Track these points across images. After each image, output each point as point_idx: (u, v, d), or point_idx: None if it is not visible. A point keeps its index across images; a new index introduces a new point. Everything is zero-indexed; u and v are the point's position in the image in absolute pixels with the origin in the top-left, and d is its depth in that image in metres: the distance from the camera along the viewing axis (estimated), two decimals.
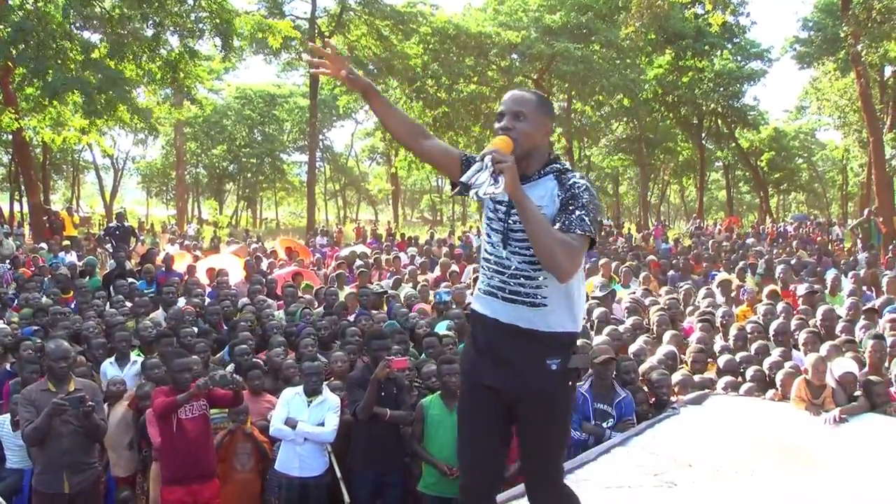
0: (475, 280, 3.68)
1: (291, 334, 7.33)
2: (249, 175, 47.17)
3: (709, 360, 6.73)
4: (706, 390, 5.82)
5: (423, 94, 28.87)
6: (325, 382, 5.84)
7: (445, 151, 2.96)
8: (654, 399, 5.64)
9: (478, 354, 2.92)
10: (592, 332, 7.39)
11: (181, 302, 9.03)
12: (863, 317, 7.64)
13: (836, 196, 52.36)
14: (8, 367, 6.55)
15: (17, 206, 28.86)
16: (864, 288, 10.22)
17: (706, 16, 27.70)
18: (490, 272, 2.86)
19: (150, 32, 17.61)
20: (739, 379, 6.19)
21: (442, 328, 7.38)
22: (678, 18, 29.72)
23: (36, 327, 7.55)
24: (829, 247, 20.12)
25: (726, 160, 43.73)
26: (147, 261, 12.54)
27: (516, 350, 2.80)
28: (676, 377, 5.91)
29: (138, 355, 6.78)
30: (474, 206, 40.12)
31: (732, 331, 7.26)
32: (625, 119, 38.30)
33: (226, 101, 43.91)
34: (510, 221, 2.77)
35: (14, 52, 15.21)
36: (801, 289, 9.45)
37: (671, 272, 13.13)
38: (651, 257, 15.53)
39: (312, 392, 5.57)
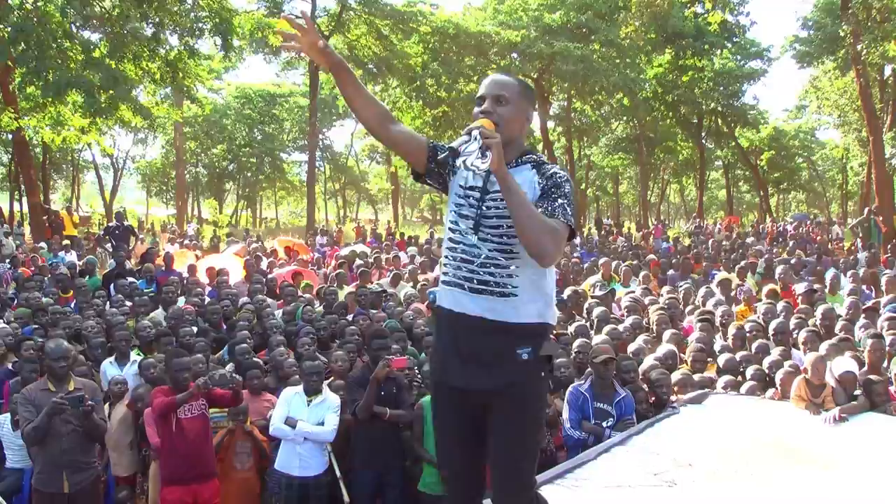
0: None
1: (291, 334, 7.34)
2: (249, 174, 47.15)
3: (709, 359, 6.73)
4: (706, 389, 5.81)
5: (422, 93, 28.85)
6: (325, 382, 5.84)
7: (412, 137, 2.84)
8: (653, 398, 5.64)
9: (443, 354, 2.79)
10: (592, 332, 7.40)
11: (181, 301, 9.04)
12: (863, 316, 7.65)
13: (836, 195, 52.32)
14: (10, 366, 6.56)
15: (16, 206, 28.84)
16: (864, 287, 10.22)
17: (706, 15, 27.68)
18: (456, 262, 2.71)
19: (149, 32, 17.60)
20: (739, 378, 6.19)
21: None
22: (678, 18, 29.68)
23: (35, 326, 7.56)
24: (829, 246, 20.11)
25: (726, 159, 43.71)
26: (147, 260, 12.55)
27: (484, 344, 2.65)
28: (676, 376, 5.91)
29: (138, 355, 6.78)
30: None
31: (731, 330, 7.26)
32: (625, 118, 38.28)
33: (225, 100, 43.90)
34: (484, 207, 2.66)
35: (14, 52, 15.20)
36: (801, 287, 9.46)
37: (671, 271, 13.14)
38: (651, 256, 15.54)
39: (312, 391, 5.57)
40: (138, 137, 43.24)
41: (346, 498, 5.37)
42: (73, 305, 9.26)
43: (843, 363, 5.57)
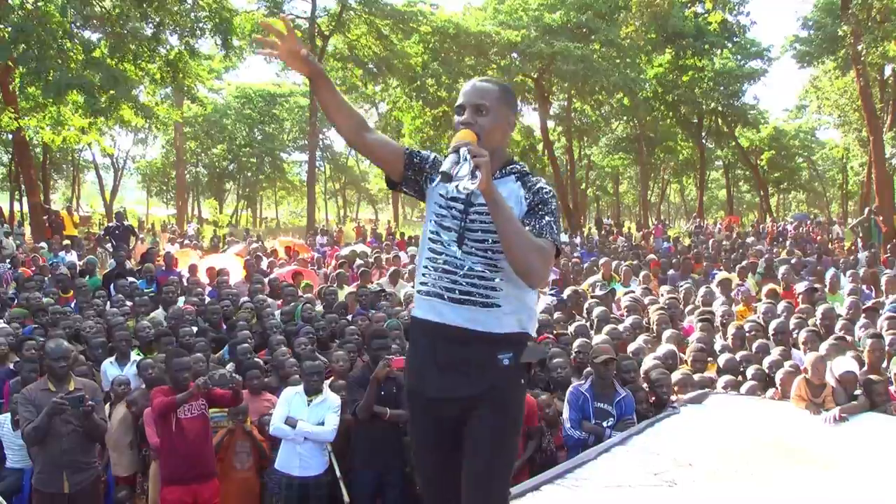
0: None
1: (291, 333, 7.34)
2: (249, 174, 47.17)
3: (709, 359, 6.73)
4: (706, 389, 5.81)
5: (423, 93, 28.88)
6: (325, 382, 5.85)
7: (388, 145, 2.76)
8: (654, 398, 5.64)
9: (420, 363, 2.70)
10: (592, 332, 7.40)
11: (181, 301, 9.04)
12: (863, 316, 7.64)
13: (837, 195, 52.33)
14: (11, 366, 6.56)
15: (17, 206, 28.85)
16: (864, 287, 10.22)
17: (706, 15, 27.71)
18: (437, 272, 2.62)
19: (149, 31, 17.61)
20: (739, 378, 6.19)
21: None
22: (678, 17, 29.70)
23: (34, 326, 7.56)
24: (830, 246, 20.11)
25: (726, 159, 43.72)
26: (147, 260, 12.55)
27: (464, 353, 2.59)
28: (676, 376, 5.91)
29: (138, 355, 6.78)
30: None
31: (731, 330, 7.26)
32: (625, 118, 38.30)
33: (226, 100, 43.92)
34: (468, 220, 2.59)
35: (15, 52, 15.20)
36: (801, 286, 9.45)
37: (671, 271, 13.14)
38: (651, 256, 15.55)
39: (313, 391, 5.57)
40: (138, 137, 43.27)
41: (346, 498, 5.37)
42: (73, 305, 9.26)
43: (844, 363, 5.57)
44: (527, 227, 2.50)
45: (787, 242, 20.45)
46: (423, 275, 2.69)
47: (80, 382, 5.20)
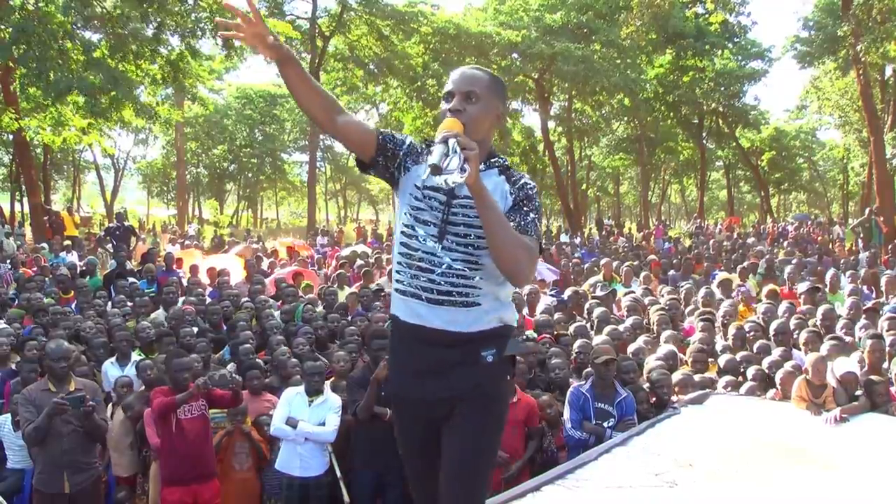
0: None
1: (291, 334, 7.34)
2: (250, 175, 47.19)
3: (710, 359, 6.73)
4: (707, 390, 5.81)
5: (423, 93, 28.87)
6: (326, 382, 5.85)
7: (359, 128, 2.62)
8: (654, 399, 5.64)
9: (401, 365, 2.65)
10: (592, 332, 7.40)
11: (181, 302, 9.04)
12: (863, 316, 7.64)
13: (837, 195, 52.28)
14: (13, 366, 6.57)
15: (17, 206, 28.86)
16: (864, 287, 10.22)
17: (707, 15, 27.71)
18: (413, 270, 2.51)
19: (150, 32, 17.61)
20: (740, 379, 6.19)
21: None
22: (679, 18, 29.71)
23: (33, 326, 7.56)
24: (831, 246, 20.11)
25: (727, 160, 43.69)
26: (148, 261, 12.55)
27: (444, 355, 2.51)
28: (677, 377, 5.91)
29: (140, 355, 6.79)
30: None
31: (731, 330, 7.26)
32: (625, 119, 38.31)
33: (226, 100, 43.92)
34: (450, 214, 2.47)
35: (16, 52, 15.21)
36: (803, 287, 9.45)
37: (672, 272, 13.13)
38: (652, 257, 15.54)
39: (314, 392, 5.58)
40: (139, 138, 43.30)
41: (346, 498, 5.37)
42: (73, 306, 9.27)
43: (845, 364, 5.57)
44: (512, 223, 2.42)
45: (785, 243, 20.44)
46: (398, 272, 2.58)
47: (81, 383, 5.21)
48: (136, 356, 6.74)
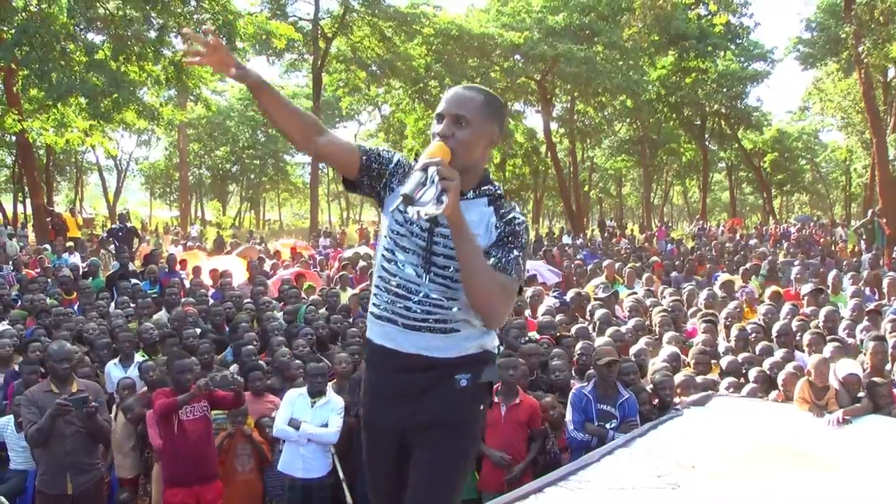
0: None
1: (293, 335, 7.34)
2: (253, 176, 47.23)
3: (712, 361, 6.72)
4: (709, 392, 5.80)
5: (426, 95, 28.90)
6: (329, 384, 5.85)
7: (341, 147, 2.51)
8: (657, 400, 5.64)
9: (372, 391, 2.59)
10: (594, 334, 7.39)
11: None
12: (866, 318, 7.63)
13: (840, 197, 52.20)
14: (16, 367, 6.58)
15: (20, 208, 28.92)
16: (867, 289, 10.20)
17: (709, 17, 27.68)
18: (389, 295, 2.44)
19: (153, 34, 17.65)
20: (742, 380, 6.18)
21: None
22: (681, 19, 29.70)
23: (35, 327, 7.57)
24: (833, 248, 20.08)
25: (729, 161, 43.69)
26: (150, 262, 12.57)
27: (418, 380, 2.45)
28: (679, 378, 5.90)
29: (143, 356, 6.80)
30: None
31: (733, 332, 7.25)
32: (628, 120, 38.32)
33: (229, 101, 43.95)
34: (432, 243, 2.39)
35: (19, 54, 15.24)
36: (806, 288, 9.44)
37: (674, 273, 13.12)
38: (654, 258, 15.55)
39: (316, 393, 5.58)
40: (142, 139, 43.36)
41: (349, 500, 5.37)
42: (76, 307, 9.28)
43: (847, 365, 5.56)
44: (492, 258, 2.34)
45: (785, 244, 20.42)
46: (376, 295, 2.51)
47: (83, 384, 5.22)
48: (139, 357, 6.75)
